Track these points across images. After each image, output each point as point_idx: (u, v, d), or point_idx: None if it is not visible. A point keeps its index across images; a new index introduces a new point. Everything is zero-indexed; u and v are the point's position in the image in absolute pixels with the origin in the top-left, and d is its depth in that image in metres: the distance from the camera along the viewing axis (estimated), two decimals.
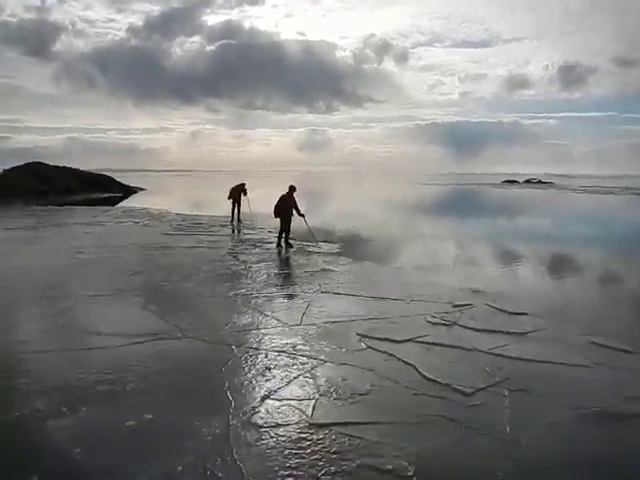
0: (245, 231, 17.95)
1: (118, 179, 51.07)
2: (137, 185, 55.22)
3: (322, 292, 9.02)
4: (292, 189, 14.12)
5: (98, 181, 45.32)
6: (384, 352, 6.08)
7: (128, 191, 47.45)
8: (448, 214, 30.54)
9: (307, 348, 6.17)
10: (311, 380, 5.27)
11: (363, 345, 6.32)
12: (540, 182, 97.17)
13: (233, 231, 18.31)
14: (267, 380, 5.27)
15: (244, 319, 7.33)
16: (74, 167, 46.26)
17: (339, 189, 65.43)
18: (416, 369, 5.59)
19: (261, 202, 21.77)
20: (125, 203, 34.94)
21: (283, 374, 5.41)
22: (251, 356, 5.91)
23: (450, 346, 6.32)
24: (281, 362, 5.76)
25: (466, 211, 33.18)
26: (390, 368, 5.63)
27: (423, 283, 9.96)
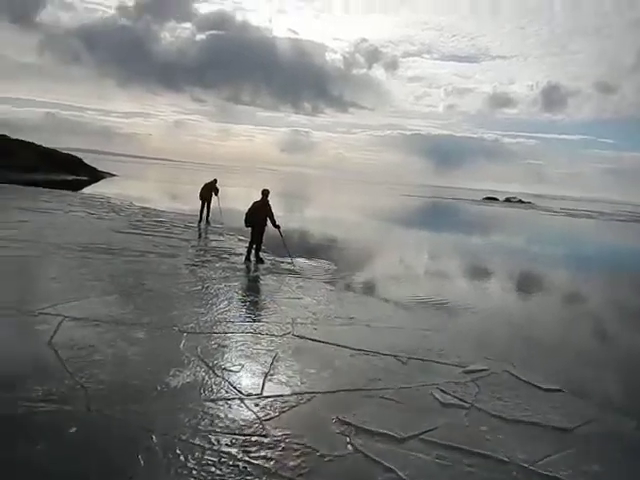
0: (212, 237, 15.74)
1: (90, 162, 48.26)
2: (108, 170, 52.45)
3: (294, 336, 6.95)
4: (266, 194, 12.04)
5: (65, 161, 42.51)
6: (379, 462, 4.05)
7: (96, 176, 44.72)
8: (439, 232, 28.62)
9: (265, 450, 4.08)
10: None
11: (348, 446, 4.26)
12: (520, 202, 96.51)
13: (199, 235, 16.10)
14: None
15: (182, 379, 5.21)
16: (46, 145, 43.44)
17: (322, 195, 63.50)
18: None
19: (237, 201, 19.70)
20: (89, 189, 32.40)
21: None
22: (177, 459, 3.82)
23: (475, 453, 4.31)
24: None
25: (458, 229, 31.34)
26: None
27: (421, 328, 7.99)
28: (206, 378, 5.29)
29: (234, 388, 5.12)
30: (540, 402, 5.54)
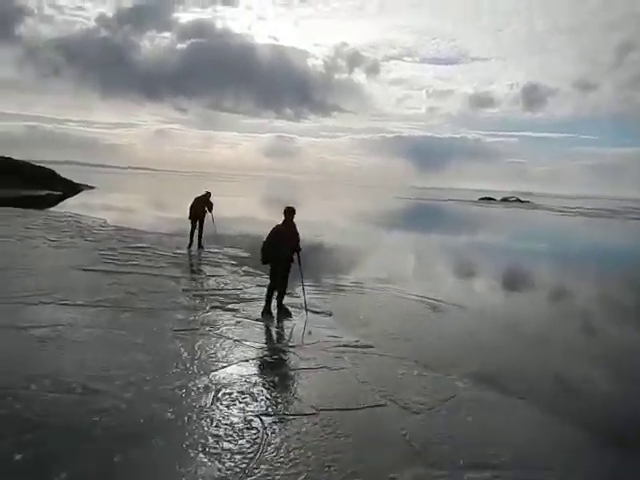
0: (207, 269, 11.71)
1: (72, 174, 44.25)
2: (86, 182, 48.10)
3: None
4: (291, 214, 8.15)
5: (37, 175, 38.28)
6: None
7: (72, 189, 40.43)
8: (473, 243, 24.50)
9: None
10: None
11: None
12: (519, 201, 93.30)
13: (191, 268, 12.12)
14: None
15: None
16: (25, 159, 39.82)
17: (318, 200, 59.47)
18: None
19: (231, 213, 15.69)
20: (61, 205, 28.21)
21: None
22: None
23: None
24: None
25: (491, 238, 27.40)
26: None
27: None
28: None
29: None
30: None
